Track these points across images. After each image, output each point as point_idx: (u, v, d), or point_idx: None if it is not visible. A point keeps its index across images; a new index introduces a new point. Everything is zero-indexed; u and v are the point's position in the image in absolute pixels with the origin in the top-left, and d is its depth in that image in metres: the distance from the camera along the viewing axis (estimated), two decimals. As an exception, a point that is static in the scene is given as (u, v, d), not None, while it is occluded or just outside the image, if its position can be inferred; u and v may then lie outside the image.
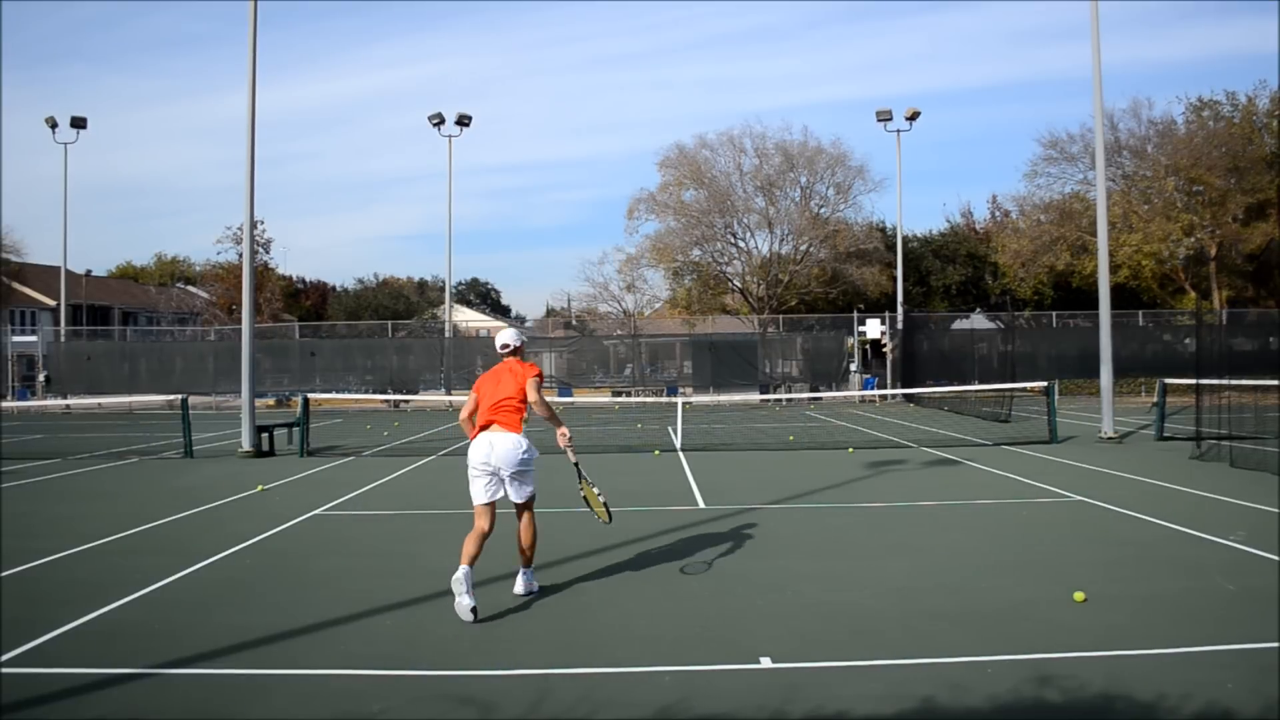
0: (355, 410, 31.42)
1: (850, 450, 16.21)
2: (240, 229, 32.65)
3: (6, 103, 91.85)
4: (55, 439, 20.94)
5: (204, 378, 35.50)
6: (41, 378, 35.77)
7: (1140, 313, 36.10)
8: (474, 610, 5.68)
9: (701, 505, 10.41)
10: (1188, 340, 32.21)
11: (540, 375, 6.54)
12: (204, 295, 52.77)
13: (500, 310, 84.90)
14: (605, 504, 6.60)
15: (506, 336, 6.69)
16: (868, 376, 35.11)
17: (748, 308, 43.50)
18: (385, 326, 42.31)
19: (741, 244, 44.21)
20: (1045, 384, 18.38)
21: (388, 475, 13.54)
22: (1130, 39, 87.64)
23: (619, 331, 41.47)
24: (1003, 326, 32.71)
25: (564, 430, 6.36)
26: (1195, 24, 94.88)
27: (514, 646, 5.30)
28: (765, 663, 4.95)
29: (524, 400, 6.28)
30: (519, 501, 6.29)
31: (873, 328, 34.71)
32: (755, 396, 31.90)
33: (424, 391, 35.20)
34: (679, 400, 21.10)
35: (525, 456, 6.20)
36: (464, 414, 6.46)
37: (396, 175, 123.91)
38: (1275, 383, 18.40)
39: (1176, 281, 39.89)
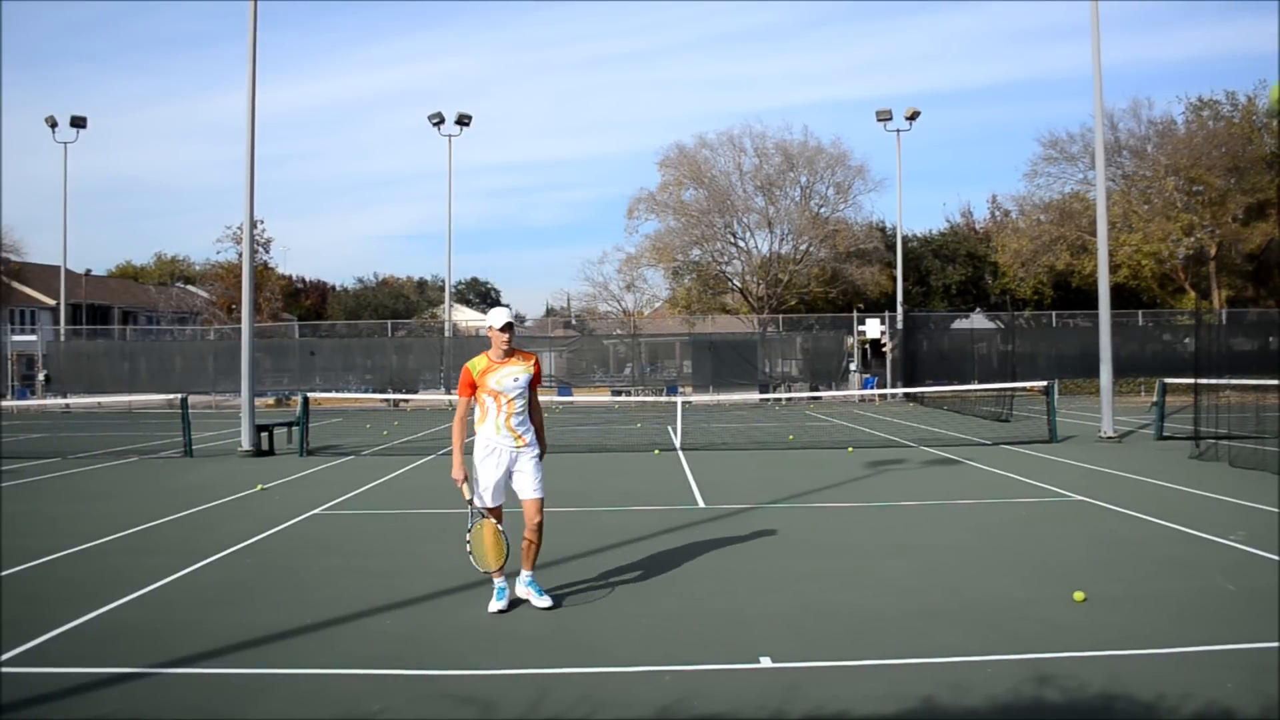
0: (355, 410, 31.41)
1: (850, 450, 16.21)
2: (240, 228, 32.66)
3: (6, 103, 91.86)
4: (55, 438, 20.93)
5: (204, 377, 35.49)
6: (41, 377, 35.75)
7: (1140, 313, 36.10)
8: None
9: (701, 505, 10.41)
10: (1187, 340, 32.22)
11: (460, 375, 6.05)
12: (204, 295, 52.84)
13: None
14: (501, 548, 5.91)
15: None
16: (867, 376, 35.10)
17: (747, 307, 43.50)
18: (385, 326, 42.32)
19: (741, 244, 44.26)
20: (1045, 384, 18.38)
21: (387, 474, 13.54)
22: (1130, 39, 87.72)
23: (619, 331, 41.45)
24: (1003, 326, 32.73)
25: (453, 470, 5.98)
26: (1195, 24, 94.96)
27: (514, 646, 5.29)
28: (765, 662, 4.95)
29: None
30: None
31: (872, 327, 34.71)
32: (755, 396, 31.88)
33: (423, 391, 35.18)
34: (679, 400, 21.09)
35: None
36: None
37: (396, 175, 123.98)
38: (1275, 383, 18.40)
39: (1176, 281, 39.90)
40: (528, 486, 5.96)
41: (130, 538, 8.78)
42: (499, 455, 5.91)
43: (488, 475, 5.90)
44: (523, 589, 6.10)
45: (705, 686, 4.62)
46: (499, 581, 6.01)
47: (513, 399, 5.88)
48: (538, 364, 6.10)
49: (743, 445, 17.80)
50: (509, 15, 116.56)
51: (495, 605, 5.91)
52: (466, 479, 5.93)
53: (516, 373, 5.91)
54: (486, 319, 6.04)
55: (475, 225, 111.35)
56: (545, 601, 6.00)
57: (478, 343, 42.55)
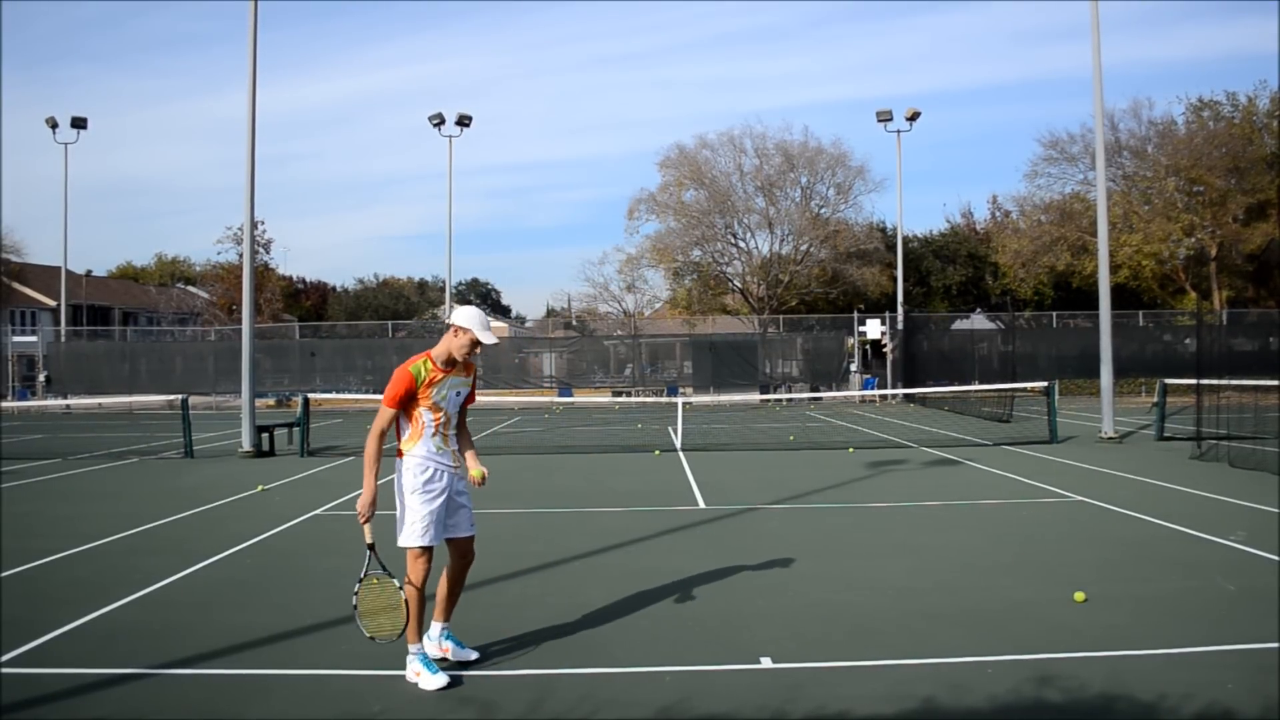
0: (355, 410, 31.41)
1: (850, 450, 16.21)
2: (240, 229, 32.70)
3: (6, 103, 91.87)
4: (55, 439, 20.94)
5: (204, 378, 35.53)
6: (41, 378, 35.78)
7: (1140, 313, 36.12)
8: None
9: (701, 505, 10.41)
10: (1188, 340, 32.23)
11: (391, 388, 4.78)
12: (204, 295, 52.90)
13: (500, 310, 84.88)
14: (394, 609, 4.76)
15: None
16: (868, 377, 35.12)
17: (748, 308, 43.52)
18: (385, 327, 42.34)
19: (742, 244, 44.31)
20: (1045, 384, 18.39)
21: (388, 475, 13.51)
22: (1130, 39, 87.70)
23: (619, 331, 41.49)
24: (1003, 327, 32.72)
25: (362, 497, 4.76)
26: (1196, 24, 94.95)
27: (514, 646, 5.30)
28: (766, 663, 4.95)
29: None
30: None
31: (873, 328, 34.72)
32: (755, 396, 31.89)
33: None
34: (679, 400, 21.10)
35: (395, 484, 4.91)
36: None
37: (397, 175, 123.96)
38: (1275, 383, 18.40)
39: (1177, 282, 39.94)
40: (465, 521, 4.97)
41: (131, 538, 8.79)
42: (441, 479, 4.84)
43: (428, 505, 4.77)
44: (439, 645, 5.02)
45: (706, 687, 4.62)
46: (422, 646, 4.83)
47: (451, 415, 4.91)
48: (475, 375, 5.17)
49: (743, 446, 17.80)
50: (509, 16, 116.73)
51: (437, 681, 4.67)
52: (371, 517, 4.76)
53: (459, 385, 4.92)
54: (460, 319, 4.86)
55: (476, 226, 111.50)
56: (472, 654, 5.03)
57: (478, 343, 42.52)
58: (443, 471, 4.87)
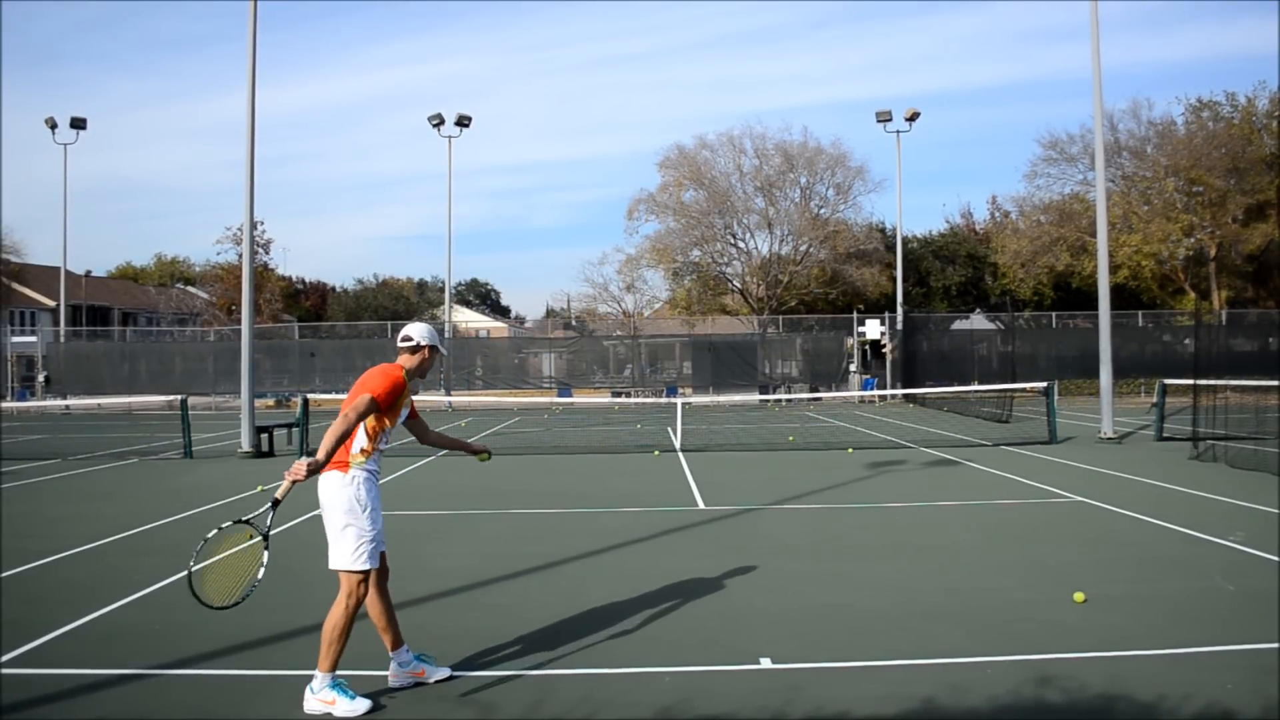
0: (355, 411, 31.41)
1: (850, 450, 16.22)
2: (240, 229, 32.71)
3: (6, 103, 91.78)
4: (55, 439, 20.93)
5: (204, 378, 35.54)
6: (41, 378, 35.77)
7: (1140, 313, 36.15)
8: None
9: (701, 505, 10.41)
10: (1187, 341, 32.25)
11: (384, 385, 4.47)
12: (204, 296, 52.94)
13: (500, 311, 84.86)
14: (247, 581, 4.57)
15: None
16: (867, 377, 35.13)
17: (747, 308, 43.53)
18: (385, 327, 42.32)
19: (741, 244, 44.32)
20: (1045, 384, 18.39)
21: (387, 475, 13.53)
22: (1131, 39, 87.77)
23: (619, 332, 41.48)
24: (1002, 327, 32.73)
25: (314, 460, 4.18)
26: (1196, 25, 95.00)
27: (515, 647, 5.30)
28: (765, 663, 4.95)
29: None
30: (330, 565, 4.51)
31: (872, 328, 34.74)
32: (755, 397, 31.90)
33: (423, 392, 35.19)
34: (679, 400, 21.10)
35: (336, 499, 4.48)
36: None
37: (396, 175, 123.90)
38: (1275, 383, 18.41)
39: (1176, 282, 39.96)
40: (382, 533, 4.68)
41: (130, 539, 8.78)
42: (379, 495, 4.64)
43: (377, 525, 4.53)
44: (411, 670, 4.73)
45: (706, 688, 4.62)
46: (330, 675, 4.40)
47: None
48: None
49: (742, 446, 17.80)
50: (510, 17, 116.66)
51: (359, 706, 4.36)
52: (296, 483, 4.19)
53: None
54: (427, 338, 4.73)
55: (476, 226, 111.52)
56: (445, 671, 4.80)
57: (478, 344, 42.53)
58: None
